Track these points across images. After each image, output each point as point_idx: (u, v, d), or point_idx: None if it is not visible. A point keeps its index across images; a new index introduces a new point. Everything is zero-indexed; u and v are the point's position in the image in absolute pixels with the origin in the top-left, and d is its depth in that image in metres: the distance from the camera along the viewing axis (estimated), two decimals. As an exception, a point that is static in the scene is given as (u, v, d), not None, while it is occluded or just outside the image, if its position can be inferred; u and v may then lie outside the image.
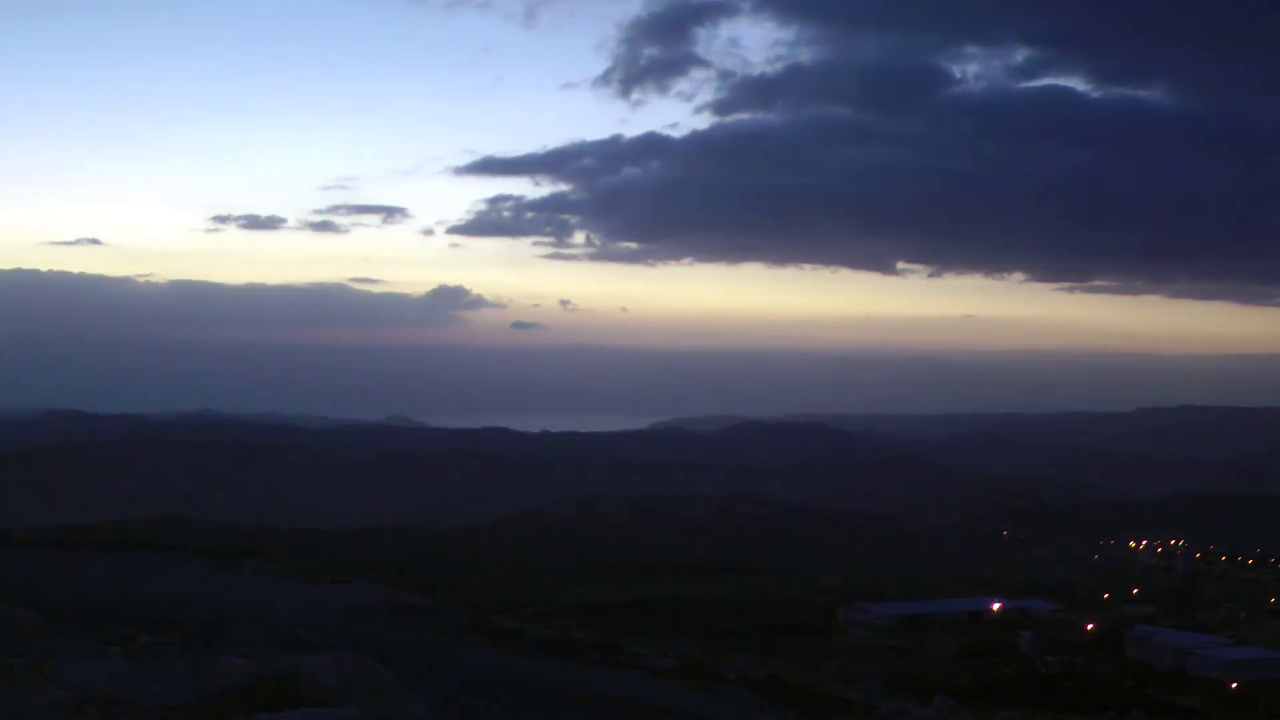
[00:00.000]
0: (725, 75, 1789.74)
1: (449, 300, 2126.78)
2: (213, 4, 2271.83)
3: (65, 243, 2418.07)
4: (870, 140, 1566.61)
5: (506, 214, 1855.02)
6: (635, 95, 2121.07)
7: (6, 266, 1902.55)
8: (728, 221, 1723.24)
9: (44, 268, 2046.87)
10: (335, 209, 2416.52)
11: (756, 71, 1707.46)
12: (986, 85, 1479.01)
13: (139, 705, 25.97)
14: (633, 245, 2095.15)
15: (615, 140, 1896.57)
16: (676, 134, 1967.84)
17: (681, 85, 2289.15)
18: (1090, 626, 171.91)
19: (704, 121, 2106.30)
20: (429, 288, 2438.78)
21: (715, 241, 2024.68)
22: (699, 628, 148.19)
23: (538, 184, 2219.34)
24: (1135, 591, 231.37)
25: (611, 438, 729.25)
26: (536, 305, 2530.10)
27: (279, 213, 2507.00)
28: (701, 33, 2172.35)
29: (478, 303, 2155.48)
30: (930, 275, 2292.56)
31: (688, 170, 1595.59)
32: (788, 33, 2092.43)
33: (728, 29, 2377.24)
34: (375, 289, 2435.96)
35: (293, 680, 27.78)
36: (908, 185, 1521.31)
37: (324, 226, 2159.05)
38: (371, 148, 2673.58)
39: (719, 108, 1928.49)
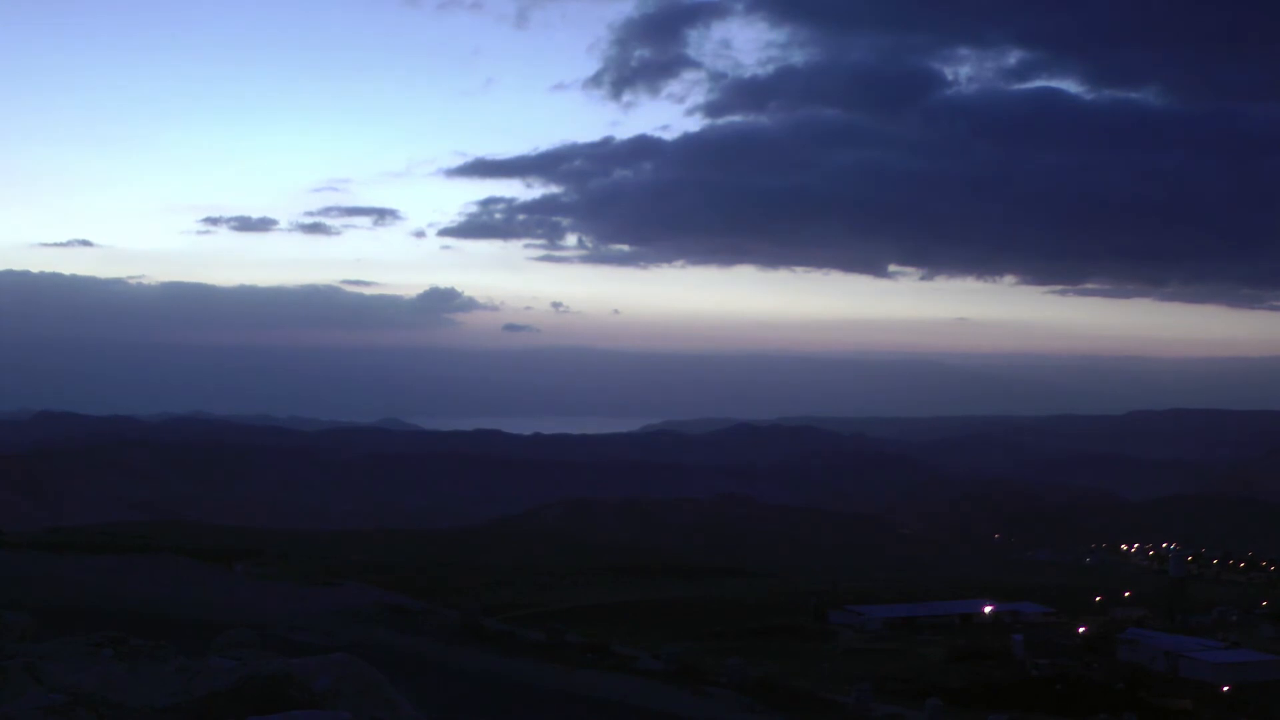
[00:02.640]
0: (717, 77, 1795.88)
1: (441, 302, 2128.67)
2: (204, 6, 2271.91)
3: (57, 244, 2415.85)
4: (862, 142, 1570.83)
5: (498, 216, 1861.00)
6: (626, 97, 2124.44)
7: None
8: (719, 224, 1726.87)
9: (35, 269, 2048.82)
10: (327, 211, 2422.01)
11: (748, 73, 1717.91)
12: (979, 87, 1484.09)
13: (129, 707, 25.95)
14: (624, 247, 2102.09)
15: (606, 142, 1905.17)
16: (668, 136, 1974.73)
17: (673, 87, 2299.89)
18: (1082, 629, 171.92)
19: (695, 123, 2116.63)
20: (421, 290, 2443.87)
21: (707, 244, 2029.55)
22: (691, 630, 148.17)
23: (529, 186, 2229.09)
24: (1127, 594, 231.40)
25: (603, 439, 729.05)
26: (528, 308, 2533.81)
27: (270, 215, 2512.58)
28: (693, 34, 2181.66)
29: (470, 305, 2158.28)
30: (922, 278, 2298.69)
31: (679, 172, 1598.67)
32: (780, 34, 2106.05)
33: (719, 30, 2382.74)
34: (367, 291, 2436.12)
35: (284, 682, 27.76)
36: (900, 187, 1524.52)
37: (315, 228, 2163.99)
38: (362, 150, 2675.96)
39: (710, 109, 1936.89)
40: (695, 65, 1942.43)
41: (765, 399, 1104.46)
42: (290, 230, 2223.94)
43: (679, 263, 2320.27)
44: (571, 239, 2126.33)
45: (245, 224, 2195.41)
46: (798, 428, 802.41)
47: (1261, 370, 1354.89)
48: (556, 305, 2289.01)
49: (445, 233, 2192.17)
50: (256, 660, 30.91)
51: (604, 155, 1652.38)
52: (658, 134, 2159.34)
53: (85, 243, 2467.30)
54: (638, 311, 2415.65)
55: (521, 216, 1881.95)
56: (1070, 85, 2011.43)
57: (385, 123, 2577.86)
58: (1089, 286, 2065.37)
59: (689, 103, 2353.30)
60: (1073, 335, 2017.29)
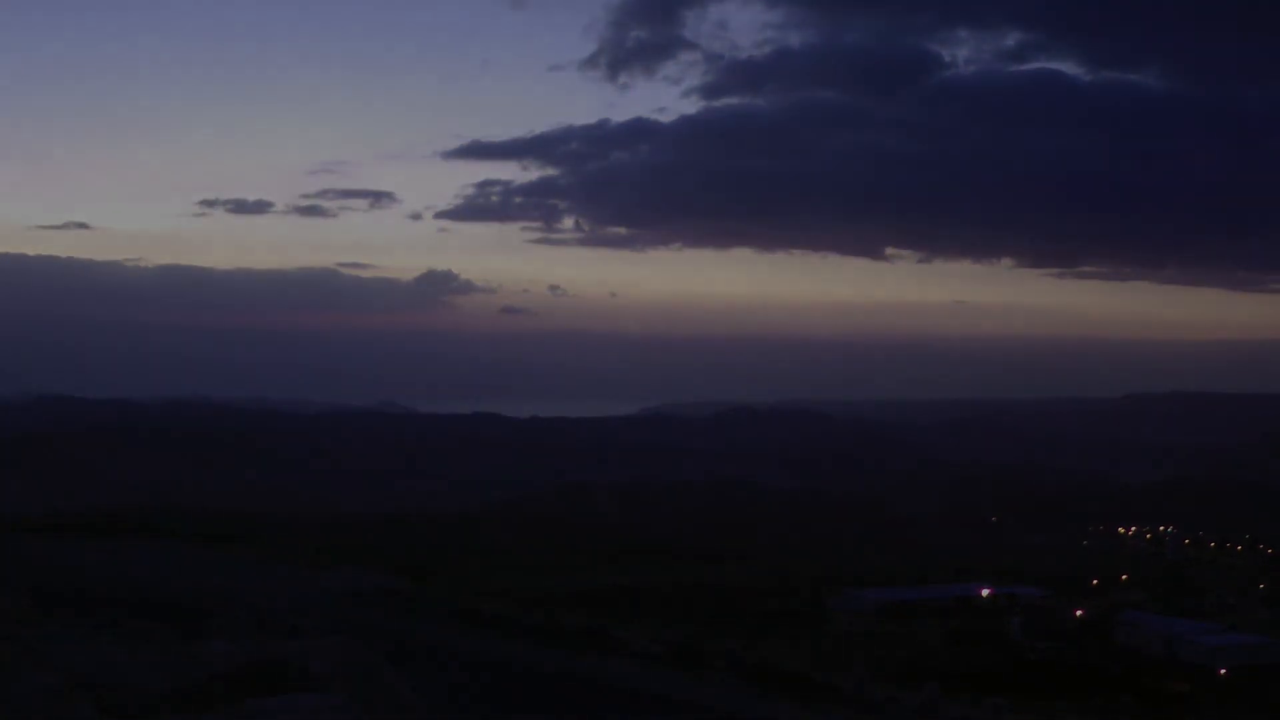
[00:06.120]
0: (713, 58, 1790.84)
1: (438, 285, 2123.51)
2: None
3: (53, 227, 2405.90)
4: (859, 125, 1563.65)
5: (495, 199, 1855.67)
6: (623, 78, 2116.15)
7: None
8: (716, 207, 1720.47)
9: (31, 251, 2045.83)
10: (323, 193, 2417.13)
11: (744, 55, 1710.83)
12: (977, 69, 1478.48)
13: (129, 690, 26.03)
14: (621, 230, 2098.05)
15: (603, 124, 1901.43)
16: (664, 118, 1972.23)
17: (669, 68, 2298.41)
18: (1079, 613, 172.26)
19: (692, 105, 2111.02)
20: (418, 273, 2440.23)
21: (704, 227, 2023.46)
22: (688, 614, 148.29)
23: (526, 168, 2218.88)
24: (1124, 578, 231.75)
25: (600, 423, 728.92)
26: (526, 290, 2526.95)
27: (266, 197, 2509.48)
28: (689, 15, 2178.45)
29: (467, 288, 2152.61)
30: (919, 261, 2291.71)
31: (676, 155, 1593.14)
32: (776, 15, 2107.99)
33: (716, 11, 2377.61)
34: (364, 274, 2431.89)
35: (282, 665, 27.87)
36: (897, 170, 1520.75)
37: (312, 211, 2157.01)
38: (358, 132, 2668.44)
39: (707, 91, 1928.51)
40: (692, 46, 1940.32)
41: (763, 382, 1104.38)
42: (286, 213, 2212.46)
43: (676, 245, 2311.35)
44: (568, 222, 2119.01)
45: (242, 206, 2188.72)
46: (795, 411, 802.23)
47: (1260, 353, 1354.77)
48: (553, 288, 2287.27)
49: (442, 215, 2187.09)
50: (255, 644, 31.06)
51: (600, 137, 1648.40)
52: (654, 116, 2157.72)
53: (81, 225, 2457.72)
54: (635, 294, 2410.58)
55: (518, 199, 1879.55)
56: (1069, 67, 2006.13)
57: (381, 104, 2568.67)
58: (1086, 270, 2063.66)
59: (685, 84, 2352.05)
60: (1070, 318, 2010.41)
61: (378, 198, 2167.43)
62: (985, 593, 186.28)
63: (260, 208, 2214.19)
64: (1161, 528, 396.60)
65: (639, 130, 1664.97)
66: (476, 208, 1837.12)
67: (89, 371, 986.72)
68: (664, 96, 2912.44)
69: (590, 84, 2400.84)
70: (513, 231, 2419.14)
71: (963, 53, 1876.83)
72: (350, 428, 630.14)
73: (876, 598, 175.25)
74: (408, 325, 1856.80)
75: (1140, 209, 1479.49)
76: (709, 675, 48.71)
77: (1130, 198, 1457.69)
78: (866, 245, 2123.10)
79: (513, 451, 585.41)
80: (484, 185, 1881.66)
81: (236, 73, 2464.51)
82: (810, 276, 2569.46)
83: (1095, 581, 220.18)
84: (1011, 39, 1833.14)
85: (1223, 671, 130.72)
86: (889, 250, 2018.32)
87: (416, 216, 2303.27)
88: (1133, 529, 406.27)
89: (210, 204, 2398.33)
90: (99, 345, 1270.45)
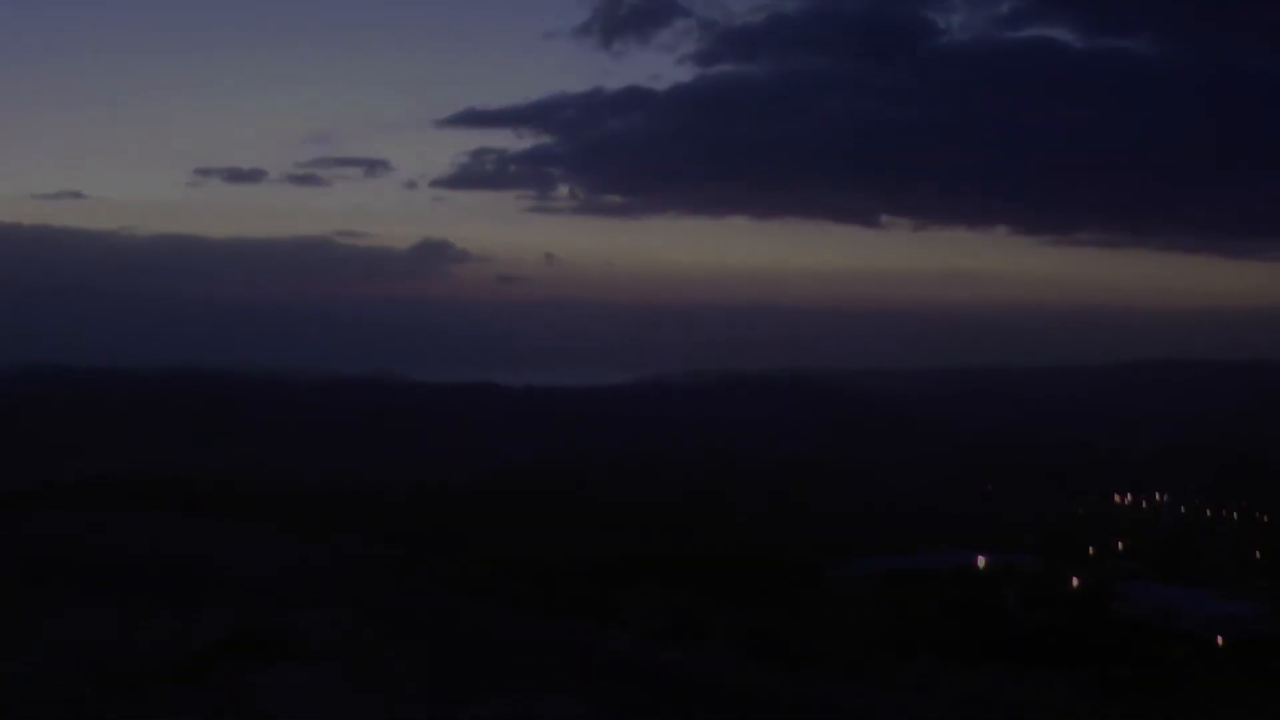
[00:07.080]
0: (707, 25, 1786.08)
1: (434, 254, 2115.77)
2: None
3: (46, 196, 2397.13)
4: (853, 91, 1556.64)
5: (490, 167, 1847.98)
6: (616, 46, 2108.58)
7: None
8: (711, 175, 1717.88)
9: (25, 221, 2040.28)
10: (317, 162, 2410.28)
11: (739, 21, 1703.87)
12: (971, 36, 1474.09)
13: (126, 659, 26.00)
14: (616, 199, 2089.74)
15: (597, 92, 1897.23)
16: (659, 86, 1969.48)
17: (663, 36, 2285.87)
18: (1075, 581, 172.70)
19: (686, 73, 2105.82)
20: (413, 241, 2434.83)
21: (699, 195, 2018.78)
22: (684, 583, 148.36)
23: (520, 136, 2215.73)
24: (1120, 546, 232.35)
25: (597, 392, 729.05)
26: (521, 259, 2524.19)
27: (261, 165, 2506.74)
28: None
29: (463, 256, 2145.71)
30: (914, 228, 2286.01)
31: (670, 123, 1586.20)
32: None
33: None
34: (359, 242, 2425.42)
35: (278, 636, 27.87)
36: (891, 137, 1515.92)
37: (306, 179, 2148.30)
38: (352, 99, 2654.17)
39: (701, 59, 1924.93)
40: (685, 13, 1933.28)
41: (758, 350, 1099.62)
42: (281, 181, 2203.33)
43: (671, 213, 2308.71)
44: (563, 190, 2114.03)
45: (236, 175, 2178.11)
46: (790, 379, 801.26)
47: (1254, 320, 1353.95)
48: (549, 256, 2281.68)
49: (437, 184, 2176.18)
50: (250, 614, 31.02)
51: (595, 105, 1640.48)
52: (648, 84, 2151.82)
53: (75, 194, 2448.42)
54: (630, 263, 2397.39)
55: (513, 167, 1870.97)
56: (1063, 33, 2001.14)
57: (374, 72, 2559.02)
58: (1081, 237, 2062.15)
59: (679, 51, 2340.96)
60: (1064, 286, 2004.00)
61: (372, 166, 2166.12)
62: (981, 561, 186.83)
63: (255, 176, 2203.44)
64: (1158, 495, 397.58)
65: (633, 98, 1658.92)
66: (471, 176, 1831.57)
67: (83, 340, 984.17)
68: (658, 64, 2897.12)
69: (584, 51, 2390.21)
70: (508, 200, 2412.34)
71: (956, 19, 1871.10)
72: (346, 396, 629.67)
73: (872, 566, 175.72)
74: (403, 294, 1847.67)
75: (1135, 176, 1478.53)
76: (705, 645, 48.73)
77: (1124, 164, 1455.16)
78: (861, 213, 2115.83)
79: (509, 420, 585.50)
80: (479, 153, 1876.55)
81: (230, 41, 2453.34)
82: (805, 244, 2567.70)
83: (1091, 550, 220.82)
84: (1005, 6, 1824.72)
85: (1219, 640, 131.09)
86: (883, 218, 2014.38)
87: (412, 185, 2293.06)
88: (1129, 497, 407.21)
89: (205, 173, 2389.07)
90: (93, 314, 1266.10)
